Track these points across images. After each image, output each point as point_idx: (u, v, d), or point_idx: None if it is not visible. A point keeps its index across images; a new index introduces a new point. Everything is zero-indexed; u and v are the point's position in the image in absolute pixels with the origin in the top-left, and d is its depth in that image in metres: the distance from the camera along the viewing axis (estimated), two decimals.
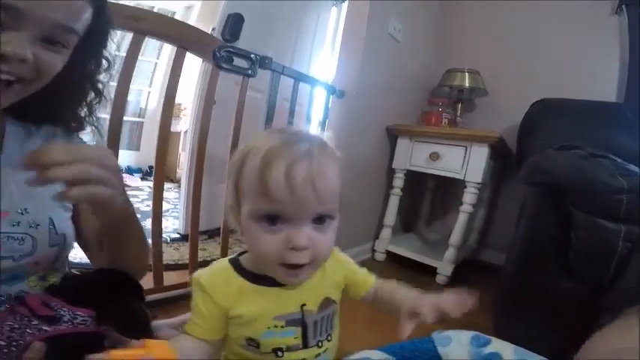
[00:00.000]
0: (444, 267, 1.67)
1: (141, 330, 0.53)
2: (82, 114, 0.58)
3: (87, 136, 0.61)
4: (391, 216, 1.87)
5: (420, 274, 1.72)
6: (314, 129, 1.57)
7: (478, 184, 1.62)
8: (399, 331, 0.53)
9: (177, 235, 1.83)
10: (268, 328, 0.51)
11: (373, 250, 1.96)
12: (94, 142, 0.63)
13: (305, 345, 0.53)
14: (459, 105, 2.02)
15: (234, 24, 1.71)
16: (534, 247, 0.91)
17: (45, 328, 0.44)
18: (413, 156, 1.80)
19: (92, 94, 0.57)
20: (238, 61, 1.19)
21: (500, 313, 1.09)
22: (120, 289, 0.55)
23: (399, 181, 1.84)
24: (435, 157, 1.72)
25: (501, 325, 1.04)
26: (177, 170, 3.29)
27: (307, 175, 0.42)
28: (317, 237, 0.46)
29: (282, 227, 0.45)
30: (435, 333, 0.94)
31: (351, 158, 1.63)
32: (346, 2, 2.17)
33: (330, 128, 1.59)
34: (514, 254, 1.00)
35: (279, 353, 0.51)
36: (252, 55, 1.21)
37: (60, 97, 0.52)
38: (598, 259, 0.81)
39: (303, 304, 0.53)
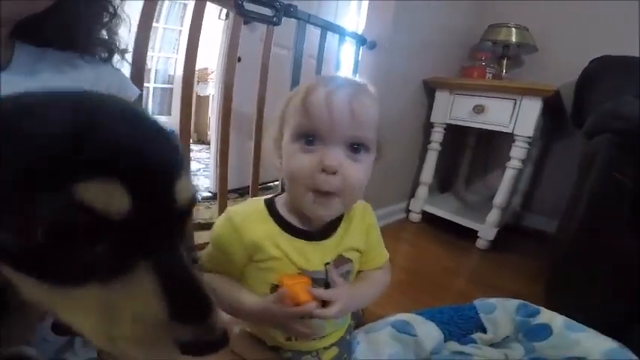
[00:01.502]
0: (486, 230, 1.57)
1: None
2: (105, 37, 0.52)
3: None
4: (429, 173, 1.78)
5: (458, 238, 1.63)
6: None
7: (529, 138, 1.48)
8: None
9: (209, 194, 1.86)
10: None
11: (408, 210, 1.89)
12: (129, 74, 0.57)
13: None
14: (504, 61, 1.87)
15: None
16: (604, 203, 0.81)
17: None
18: (453, 109, 1.67)
19: (107, 17, 0.51)
20: (262, 11, 1.10)
21: (553, 281, 1.00)
22: None
23: (437, 136, 1.73)
24: (479, 109, 1.57)
25: (554, 294, 0.96)
26: (208, 133, 3.33)
27: (346, 98, 0.46)
28: (349, 164, 0.47)
29: (317, 149, 0.47)
30: (478, 300, 0.88)
31: (384, 113, 1.51)
32: None
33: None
34: (574, 215, 0.89)
35: None
36: (276, 3, 1.11)
37: (69, 15, 0.46)
38: None
39: (327, 263, 0.53)
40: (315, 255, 0.52)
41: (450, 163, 2.12)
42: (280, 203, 0.55)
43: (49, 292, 0.19)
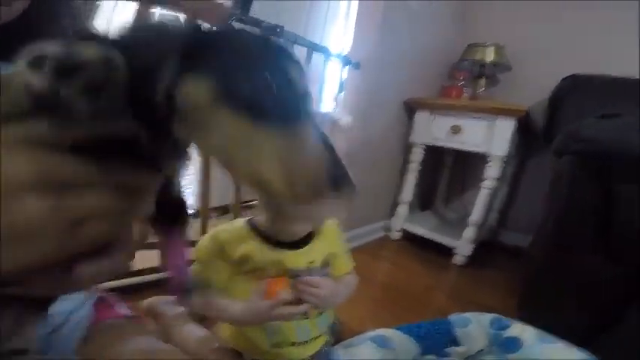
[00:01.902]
0: (463, 247, 1.61)
1: None
2: None
3: None
4: (408, 192, 1.82)
5: (438, 255, 1.67)
6: (328, 102, 1.52)
7: (503, 157, 1.54)
8: None
9: (192, 211, 1.83)
10: None
11: (388, 229, 1.92)
12: None
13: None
14: (481, 80, 1.95)
15: None
16: (569, 223, 0.85)
17: None
18: (432, 130, 1.73)
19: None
20: (250, 31, 1.13)
21: (526, 295, 1.04)
22: None
23: (417, 156, 1.78)
24: (456, 130, 1.64)
25: (526, 308, 0.99)
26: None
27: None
28: None
29: None
30: (453, 315, 0.91)
31: (367, 132, 1.57)
32: None
33: (345, 102, 1.52)
34: (545, 232, 0.93)
35: None
36: (263, 24, 1.15)
37: (37, 30, 0.44)
38: None
39: (311, 262, 0.59)
40: (300, 258, 0.59)
41: (429, 181, 2.17)
42: (261, 222, 0.60)
43: (253, 134, 0.24)
